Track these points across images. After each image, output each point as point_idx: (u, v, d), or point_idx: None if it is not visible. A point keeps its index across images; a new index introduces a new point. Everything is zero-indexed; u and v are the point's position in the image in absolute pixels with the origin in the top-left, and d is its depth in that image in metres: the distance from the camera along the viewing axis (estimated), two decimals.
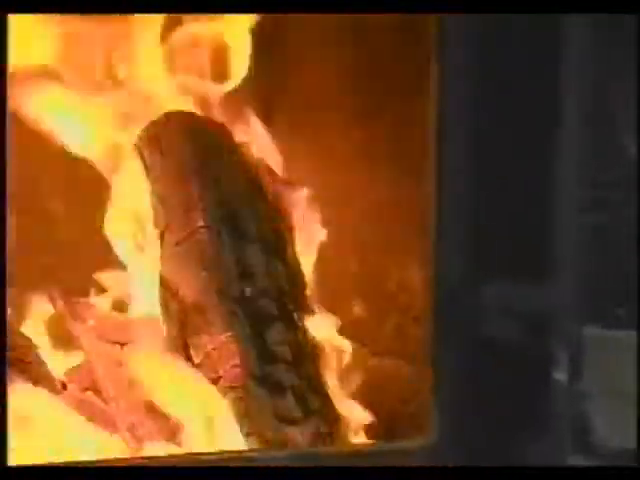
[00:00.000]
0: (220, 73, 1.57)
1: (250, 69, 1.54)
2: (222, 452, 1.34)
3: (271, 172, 1.42)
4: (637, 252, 1.28)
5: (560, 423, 1.23)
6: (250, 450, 1.33)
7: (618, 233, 1.25)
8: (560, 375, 1.21)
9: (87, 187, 1.53)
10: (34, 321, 1.46)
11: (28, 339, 1.41)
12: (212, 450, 1.36)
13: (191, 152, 1.37)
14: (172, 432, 1.36)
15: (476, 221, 1.27)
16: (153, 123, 1.40)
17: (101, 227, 1.45)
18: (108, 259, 1.47)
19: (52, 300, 1.44)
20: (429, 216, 1.30)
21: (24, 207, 1.51)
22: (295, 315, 1.35)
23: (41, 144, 1.52)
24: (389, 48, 1.44)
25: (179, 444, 1.34)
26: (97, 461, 1.33)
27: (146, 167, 1.38)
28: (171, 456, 1.34)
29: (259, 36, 1.54)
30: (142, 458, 1.34)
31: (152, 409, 1.37)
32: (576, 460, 1.22)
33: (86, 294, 1.47)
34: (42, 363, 1.38)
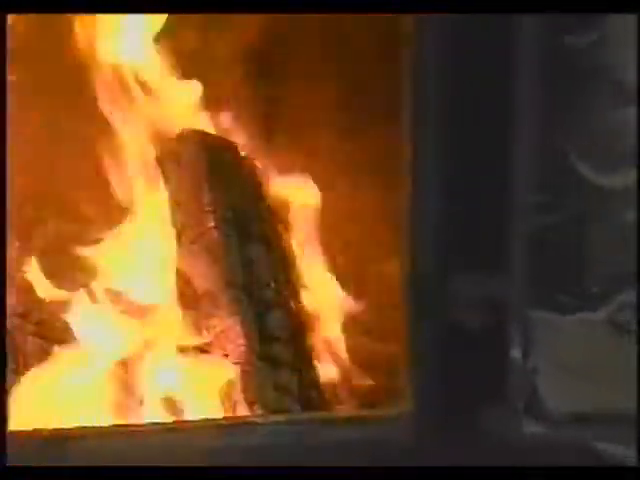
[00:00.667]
0: None
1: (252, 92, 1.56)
2: (228, 417, 1.41)
3: (269, 181, 1.50)
4: (637, 249, 1.30)
5: (515, 393, 1.25)
6: (253, 416, 1.39)
7: (562, 231, 1.25)
8: (515, 353, 1.23)
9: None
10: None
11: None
12: (219, 416, 1.43)
13: (204, 164, 1.46)
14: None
15: (445, 222, 1.29)
16: (172, 139, 1.48)
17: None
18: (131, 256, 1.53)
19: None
20: (405, 218, 1.32)
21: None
22: (291, 301, 1.45)
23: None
24: (370, 76, 1.47)
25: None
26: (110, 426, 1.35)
27: (165, 177, 1.48)
28: (184, 422, 1.40)
29: (257, 59, 1.56)
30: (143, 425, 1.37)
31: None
32: (529, 424, 1.24)
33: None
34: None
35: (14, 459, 1.29)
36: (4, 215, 1.33)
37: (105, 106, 1.54)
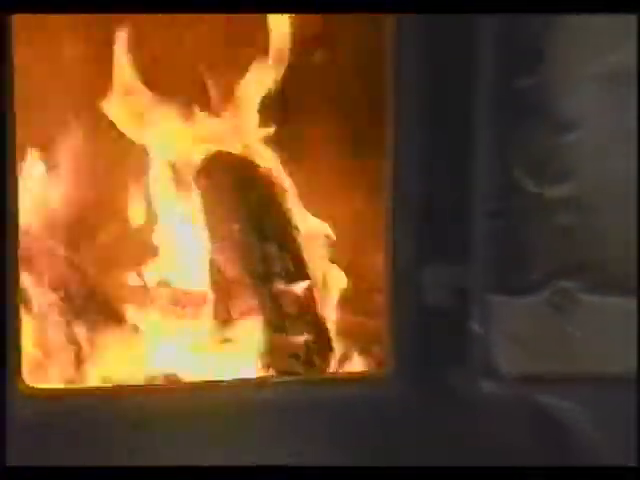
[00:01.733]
0: None
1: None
2: (248, 379, 1.45)
3: (284, 192, 1.52)
4: (637, 249, 1.33)
5: (475, 358, 1.30)
6: (269, 376, 1.45)
7: (511, 231, 1.29)
8: (475, 327, 1.29)
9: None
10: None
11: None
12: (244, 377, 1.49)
13: (231, 180, 1.51)
14: None
15: (420, 224, 1.34)
16: (206, 159, 1.51)
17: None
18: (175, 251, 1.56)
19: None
20: (388, 220, 1.37)
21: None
22: (298, 285, 1.49)
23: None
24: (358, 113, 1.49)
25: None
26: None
27: (200, 190, 1.51)
28: (209, 382, 1.45)
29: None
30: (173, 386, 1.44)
31: None
32: (485, 383, 1.29)
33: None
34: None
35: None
36: (4, 215, 1.31)
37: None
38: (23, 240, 1.40)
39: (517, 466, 1.34)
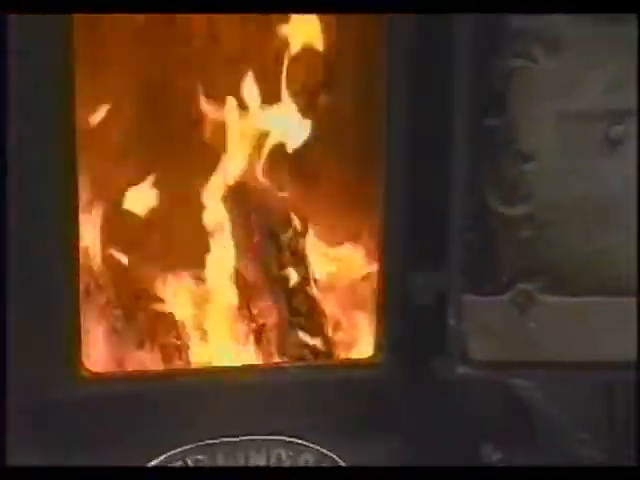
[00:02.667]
0: None
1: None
2: (265, 364, 1.50)
3: (294, 212, 1.55)
4: (637, 250, 1.33)
5: (452, 347, 1.33)
6: (282, 362, 1.49)
7: (480, 243, 1.30)
8: (451, 321, 1.33)
9: None
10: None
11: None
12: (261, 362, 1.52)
13: (251, 204, 1.54)
14: None
15: (406, 236, 1.39)
16: (232, 187, 1.52)
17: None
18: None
19: None
20: (381, 232, 1.43)
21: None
22: (305, 287, 1.53)
23: None
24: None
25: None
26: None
27: (227, 209, 1.53)
28: (230, 367, 1.48)
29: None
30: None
31: None
32: (460, 367, 1.32)
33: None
34: None
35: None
36: (4, 215, 1.27)
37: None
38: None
39: (517, 466, 1.37)
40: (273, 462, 1.32)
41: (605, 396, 1.44)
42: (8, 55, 1.26)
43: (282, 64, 1.54)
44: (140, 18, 1.47)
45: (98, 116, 1.47)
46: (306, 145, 1.54)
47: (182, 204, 1.55)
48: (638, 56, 1.28)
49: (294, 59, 1.55)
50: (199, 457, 1.29)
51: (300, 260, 1.55)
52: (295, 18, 1.52)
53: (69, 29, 1.28)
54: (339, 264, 1.58)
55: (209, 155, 1.55)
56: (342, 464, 1.32)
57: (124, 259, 1.53)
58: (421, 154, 1.38)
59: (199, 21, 1.53)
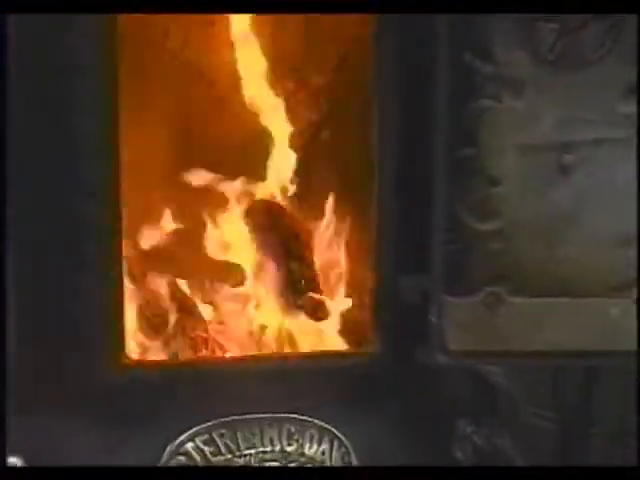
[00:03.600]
0: None
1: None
2: (276, 354, 1.48)
3: (306, 228, 1.56)
4: (638, 251, 1.31)
5: (434, 338, 1.33)
6: (293, 352, 1.49)
7: (457, 254, 1.32)
8: (433, 318, 1.33)
9: None
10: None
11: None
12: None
13: (270, 220, 1.54)
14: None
15: (398, 245, 1.40)
16: (253, 204, 1.54)
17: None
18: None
19: None
20: (376, 242, 1.42)
21: None
22: (312, 289, 1.53)
23: None
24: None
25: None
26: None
27: (249, 227, 1.54)
28: (248, 356, 1.48)
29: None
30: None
31: None
32: (440, 356, 1.32)
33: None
34: None
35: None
36: (4, 216, 1.22)
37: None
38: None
39: (517, 466, 1.37)
40: (284, 436, 1.36)
41: (557, 378, 1.46)
42: (8, 55, 1.21)
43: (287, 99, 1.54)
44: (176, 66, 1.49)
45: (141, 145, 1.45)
46: (310, 175, 1.55)
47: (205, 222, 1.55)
48: (638, 57, 1.27)
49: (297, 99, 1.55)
50: (222, 431, 1.34)
51: (307, 267, 1.55)
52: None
53: (114, 72, 1.28)
54: (339, 267, 1.56)
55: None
56: (341, 437, 1.37)
57: (164, 264, 1.53)
58: (408, 180, 1.38)
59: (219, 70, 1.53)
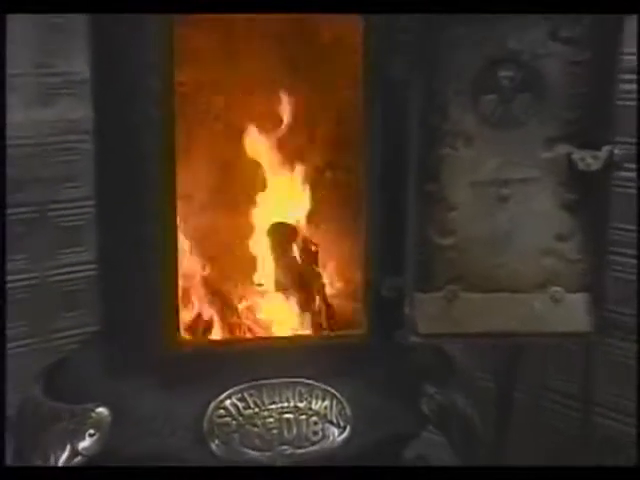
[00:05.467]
0: None
1: None
2: (291, 336, 1.47)
3: (311, 243, 1.55)
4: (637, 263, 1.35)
5: (408, 325, 1.33)
6: (304, 334, 1.48)
7: (427, 260, 1.31)
8: (407, 309, 1.34)
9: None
10: None
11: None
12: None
13: (284, 236, 1.53)
14: None
15: (381, 252, 1.41)
16: (271, 226, 1.53)
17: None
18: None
19: None
20: (366, 252, 1.42)
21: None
22: (317, 288, 1.54)
23: None
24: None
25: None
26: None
27: (273, 243, 1.54)
28: (271, 337, 1.46)
29: None
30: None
31: None
32: (413, 337, 1.31)
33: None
34: None
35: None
36: (3, 216, 1.18)
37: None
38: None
39: (517, 466, 1.29)
40: (297, 395, 1.36)
41: (495, 352, 1.46)
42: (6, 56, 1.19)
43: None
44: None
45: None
46: (317, 203, 1.53)
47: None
48: (638, 58, 1.35)
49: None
50: (251, 392, 1.35)
51: (315, 272, 1.55)
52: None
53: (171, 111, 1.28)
54: (336, 268, 1.55)
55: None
56: (338, 396, 1.36)
57: (207, 268, 1.53)
58: (390, 206, 1.39)
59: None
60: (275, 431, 1.32)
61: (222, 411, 1.33)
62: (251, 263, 1.54)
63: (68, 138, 1.77)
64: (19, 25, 1.58)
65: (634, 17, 1.25)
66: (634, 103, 1.52)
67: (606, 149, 1.27)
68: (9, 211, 1.63)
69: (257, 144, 1.50)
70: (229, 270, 1.54)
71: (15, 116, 1.65)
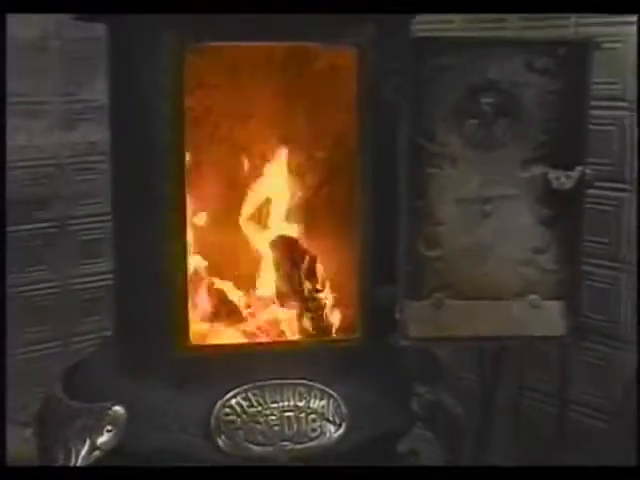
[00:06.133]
0: None
1: None
2: (290, 340, 1.45)
3: (311, 255, 1.52)
4: (637, 254, 1.34)
5: (399, 329, 1.34)
6: (304, 338, 1.46)
7: (416, 271, 1.32)
8: (398, 315, 1.34)
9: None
10: None
11: None
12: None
13: (287, 248, 1.52)
14: None
15: (375, 265, 1.40)
16: (276, 239, 1.52)
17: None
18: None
19: None
20: (361, 263, 1.41)
21: None
22: (316, 292, 1.51)
23: None
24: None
25: None
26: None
27: (275, 255, 1.51)
28: (271, 342, 1.44)
29: None
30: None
31: None
32: (404, 341, 1.31)
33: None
34: None
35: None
36: (3, 216, 1.12)
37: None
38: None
39: (518, 466, 1.33)
40: (297, 394, 1.35)
41: (479, 354, 1.47)
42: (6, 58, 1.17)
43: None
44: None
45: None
46: (317, 221, 1.53)
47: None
48: (637, 53, 1.30)
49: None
50: (255, 391, 1.34)
51: (312, 275, 1.52)
52: None
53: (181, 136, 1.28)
54: (338, 282, 1.53)
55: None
56: (335, 395, 1.35)
57: (215, 278, 1.51)
58: (383, 221, 1.38)
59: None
60: (276, 428, 1.32)
61: (228, 409, 1.33)
62: (255, 274, 1.55)
63: (87, 159, 1.82)
64: (46, 59, 1.67)
65: (602, 50, 1.26)
66: (604, 127, 1.53)
67: (578, 169, 1.29)
68: (33, 226, 1.76)
69: (259, 164, 1.52)
70: (235, 280, 1.54)
71: (40, 140, 1.74)
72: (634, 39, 1.41)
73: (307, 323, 1.49)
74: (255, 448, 1.31)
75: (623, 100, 1.52)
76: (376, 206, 1.38)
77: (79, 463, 1.19)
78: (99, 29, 1.36)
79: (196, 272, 1.47)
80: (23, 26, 1.54)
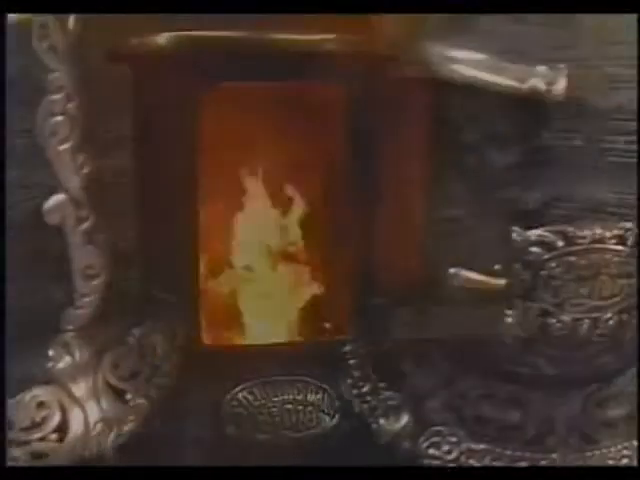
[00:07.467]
0: None
1: None
2: (292, 340, 1.46)
3: (308, 265, 1.53)
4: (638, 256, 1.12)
5: (389, 334, 1.34)
6: (305, 339, 1.48)
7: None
8: (387, 318, 1.35)
9: None
10: None
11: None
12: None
13: (285, 261, 1.53)
14: None
15: (363, 273, 1.40)
16: (274, 250, 1.53)
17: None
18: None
19: None
20: (350, 267, 1.41)
21: None
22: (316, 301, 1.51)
23: None
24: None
25: None
26: None
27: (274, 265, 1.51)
28: (274, 343, 1.44)
29: None
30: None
31: None
32: (392, 339, 1.31)
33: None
34: None
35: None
36: (3, 216, 0.96)
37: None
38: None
39: (519, 467, 1.21)
40: (295, 389, 1.38)
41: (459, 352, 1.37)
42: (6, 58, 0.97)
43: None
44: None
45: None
46: (316, 235, 1.52)
47: None
48: (638, 53, 0.99)
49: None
50: (259, 387, 1.38)
51: (311, 288, 1.54)
52: None
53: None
54: (329, 282, 1.53)
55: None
56: (329, 390, 1.39)
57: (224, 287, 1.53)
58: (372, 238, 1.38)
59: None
60: (278, 419, 1.38)
61: (235, 402, 1.38)
62: (257, 282, 1.56)
63: None
64: None
65: None
66: None
67: None
68: None
69: (261, 190, 1.53)
70: (239, 288, 1.55)
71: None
72: None
73: (306, 325, 1.53)
74: (259, 436, 1.38)
75: None
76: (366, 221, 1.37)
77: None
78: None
79: (206, 281, 1.47)
80: None
